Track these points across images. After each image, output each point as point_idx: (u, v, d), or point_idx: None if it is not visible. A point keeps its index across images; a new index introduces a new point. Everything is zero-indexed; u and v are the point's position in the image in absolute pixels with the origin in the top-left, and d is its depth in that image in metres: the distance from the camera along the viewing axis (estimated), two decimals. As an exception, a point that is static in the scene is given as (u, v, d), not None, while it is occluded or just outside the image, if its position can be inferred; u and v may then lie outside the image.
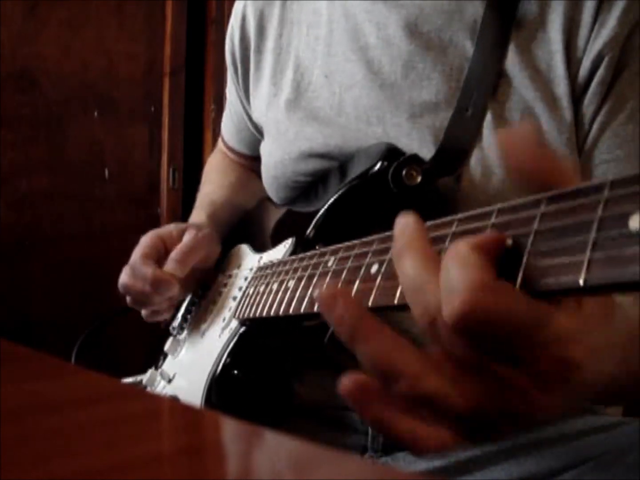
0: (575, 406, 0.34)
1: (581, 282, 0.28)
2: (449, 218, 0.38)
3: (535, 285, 0.30)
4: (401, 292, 0.38)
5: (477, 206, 0.36)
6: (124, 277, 0.73)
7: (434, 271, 0.33)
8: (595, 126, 0.62)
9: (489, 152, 0.62)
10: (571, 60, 0.62)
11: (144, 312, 0.78)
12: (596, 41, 0.61)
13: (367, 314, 0.35)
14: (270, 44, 0.80)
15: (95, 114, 1.85)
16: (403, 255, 0.35)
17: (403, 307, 0.39)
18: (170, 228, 0.78)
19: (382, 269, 0.41)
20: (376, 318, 0.35)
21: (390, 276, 0.40)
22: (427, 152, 0.63)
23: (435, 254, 0.35)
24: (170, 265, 0.72)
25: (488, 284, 0.30)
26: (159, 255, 0.73)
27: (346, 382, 0.35)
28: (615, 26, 0.60)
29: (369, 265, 0.43)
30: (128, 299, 0.75)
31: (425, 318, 0.33)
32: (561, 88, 0.62)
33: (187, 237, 0.75)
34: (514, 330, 0.30)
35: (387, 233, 0.44)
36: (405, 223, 0.36)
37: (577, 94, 0.62)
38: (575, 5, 0.62)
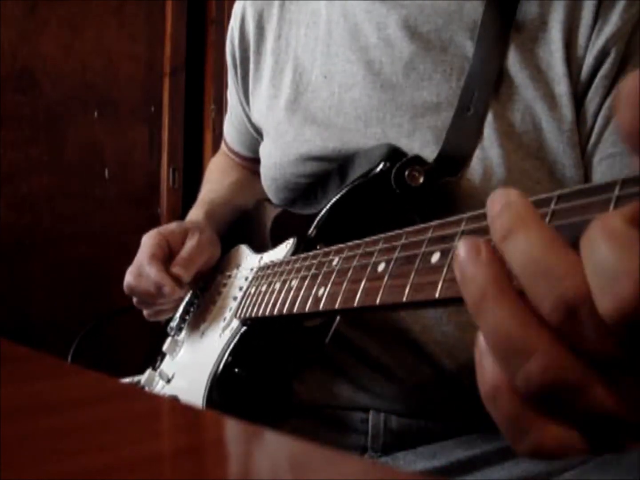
0: None
1: None
2: (457, 217, 0.37)
3: None
4: (410, 291, 0.38)
5: (478, 207, 0.36)
6: (130, 278, 0.73)
7: (562, 250, 0.27)
8: (600, 120, 0.62)
9: (490, 151, 0.62)
10: (572, 59, 0.62)
11: (146, 312, 0.78)
12: (599, 38, 0.61)
13: (504, 276, 0.29)
14: (269, 45, 0.80)
15: (95, 114, 1.86)
16: (516, 231, 0.28)
17: (411, 305, 0.39)
18: (172, 227, 0.78)
19: (390, 268, 0.41)
20: (513, 283, 0.29)
21: (398, 274, 0.40)
22: (429, 152, 0.63)
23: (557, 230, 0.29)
24: (176, 270, 0.72)
25: None
26: (165, 256, 0.74)
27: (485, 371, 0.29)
28: (617, 21, 0.60)
29: (376, 264, 0.43)
30: (134, 299, 0.76)
31: (562, 309, 0.26)
32: (561, 87, 0.62)
33: (191, 241, 0.76)
34: None
35: (392, 232, 0.43)
36: (506, 195, 0.29)
37: (579, 92, 0.62)
38: (576, 4, 0.62)
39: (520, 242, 0.28)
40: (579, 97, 0.62)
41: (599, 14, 0.61)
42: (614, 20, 0.60)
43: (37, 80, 1.76)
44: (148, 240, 0.75)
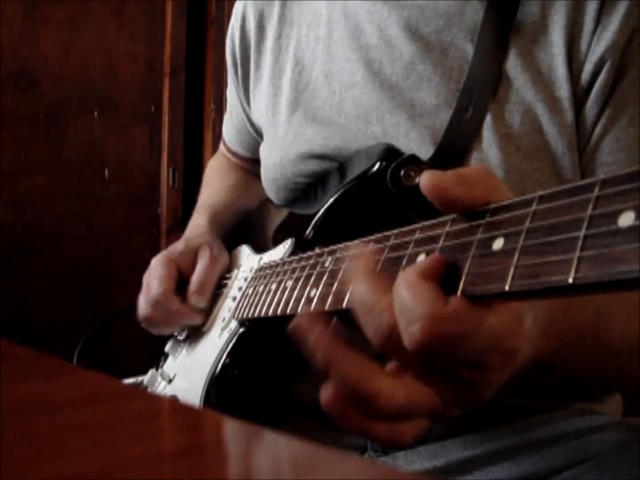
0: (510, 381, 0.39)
1: (570, 280, 0.29)
2: (444, 218, 0.39)
3: (473, 291, 0.34)
4: None
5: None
6: (147, 310, 0.75)
7: (383, 292, 0.37)
8: (597, 130, 0.62)
9: (489, 153, 0.62)
10: (573, 63, 0.62)
11: (155, 332, 0.80)
12: (599, 44, 0.61)
13: (335, 343, 0.38)
14: (269, 44, 0.80)
15: (95, 114, 1.85)
16: (354, 279, 0.39)
17: None
18: (180, 249, 0.79)
19: (377, 269, 0.41)
20: (344, 347, 0.38)
21: (385, 275, 0.40)
22: (425, 152, 0.63)
23: (385, 278, 0.38)
24: (194, 300, 0.75)
25: (443, 313, 0.33)
26: (177, 284, 0.76)
27: (324, 397, 0.39)
28: (617, 30, 0.60)
29: None
30: (145, 325, 0.78)
31: (378, 337, 0.37)
32: (562, 90, 0.62)
33: (202, 261, 0.77)
34: (464, 342, 0.34)
35: (383, 234, 0.44)
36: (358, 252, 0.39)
37: (579, 97, 0.62)
38: (578, 8, 0.62)
39: (354, 288, 0.38)
40: (578, 101, 0.63)
41: (600, 20, 0.61)
42: (613, 28, 0.60)
43: (37, 80, 1.76)
44: (159, 269, 0.76)
